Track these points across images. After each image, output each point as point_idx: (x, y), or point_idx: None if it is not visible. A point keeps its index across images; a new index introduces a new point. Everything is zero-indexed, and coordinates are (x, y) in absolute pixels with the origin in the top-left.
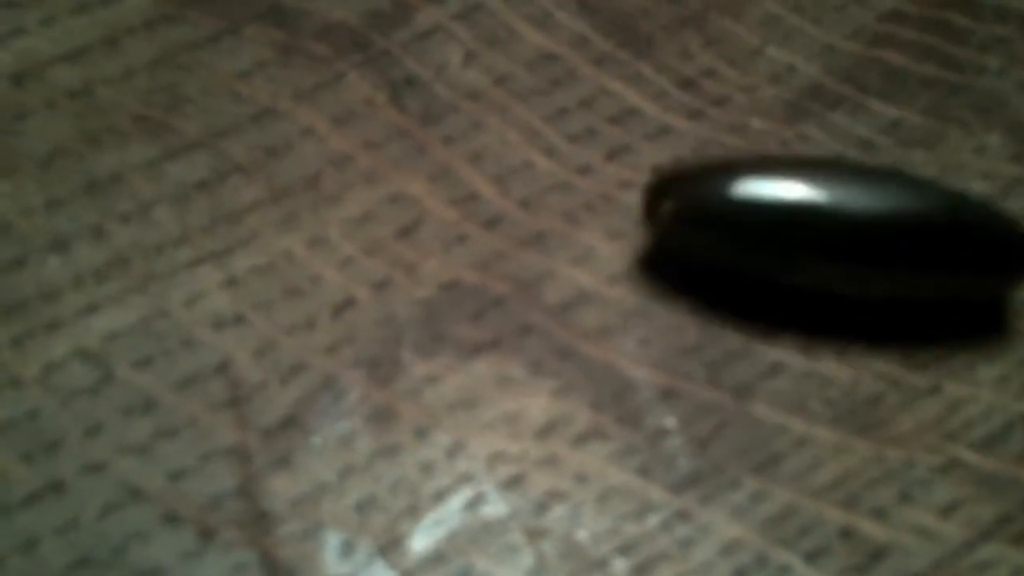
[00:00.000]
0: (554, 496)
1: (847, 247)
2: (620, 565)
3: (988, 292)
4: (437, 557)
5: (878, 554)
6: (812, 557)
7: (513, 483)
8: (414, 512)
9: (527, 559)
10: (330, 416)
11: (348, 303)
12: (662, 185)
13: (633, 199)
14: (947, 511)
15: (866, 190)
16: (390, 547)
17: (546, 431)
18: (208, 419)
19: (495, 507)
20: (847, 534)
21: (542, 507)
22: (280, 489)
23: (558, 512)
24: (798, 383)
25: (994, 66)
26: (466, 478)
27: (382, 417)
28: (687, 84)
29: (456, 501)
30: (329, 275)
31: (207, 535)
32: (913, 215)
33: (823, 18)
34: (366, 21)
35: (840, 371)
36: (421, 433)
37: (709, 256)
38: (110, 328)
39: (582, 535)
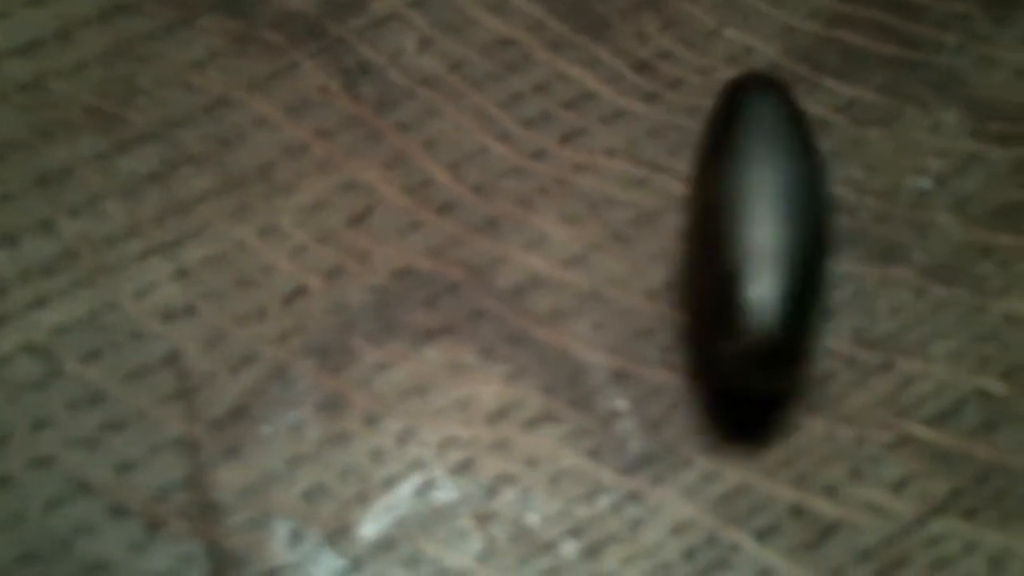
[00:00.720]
0: (504, 480)
1: None
2: (570, 547)
3: None
4: (386, 543)
5: (828, 531)
6: (763, 535)
7: (463, 468)
8: (363, 499)
9: (476, 543)
10: (280, 405)
11: (299, 292)
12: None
13: (588, 182)
14: (898, 487)
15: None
16: (339, 535)
17: (497, 416)
18: (156, 411)
19: (445, 492)
20: (798, 512)
21: (492, 491)
22: (229, 479)
23: (508, 496)
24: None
25: (952, 43)
26: (416, 464)
27: (332, 405)
28: (643, 67)
29: (406, 487)
30: (281, 264)
31: (154, 527)
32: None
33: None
34: (321, 9)
35: None
36: (372, 420)
37: None
38: (58, 322)
39: (532, 518)
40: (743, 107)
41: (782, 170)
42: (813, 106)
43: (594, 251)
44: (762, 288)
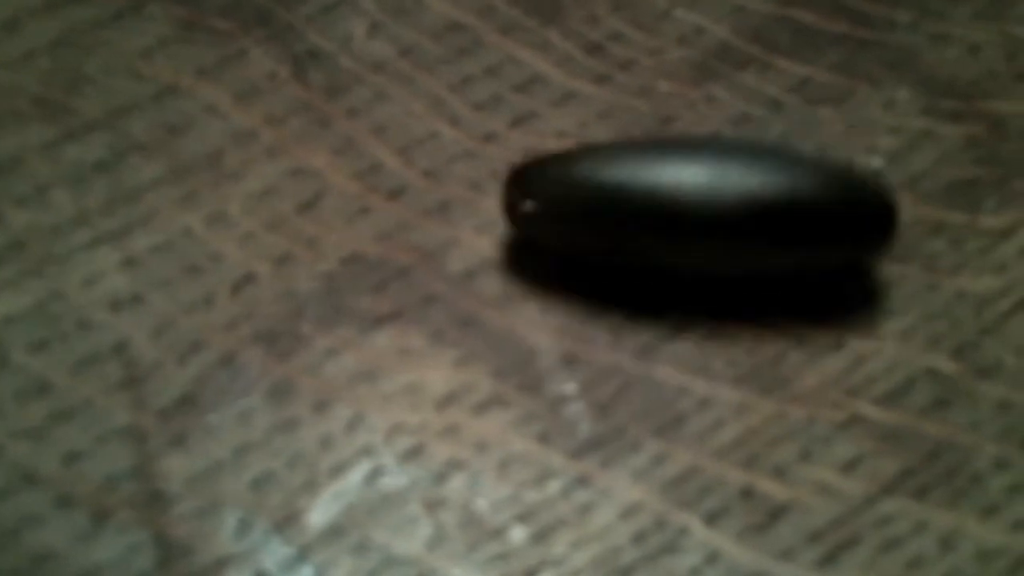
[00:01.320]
0: (454, 466)
1: (687, 227)
2: (518, 533)
3: (855, 261)
4: (334, 531)
5: (778, 512)
6: (712, 518)
7: (413, 454)
8: (312, 487)
9: (425, 530)
10: (228, 393)
11: (248, 279)
12: (519, 180)
13: None
14: (848, 467)
15: (725, 169)
16: (287, 523)
17: (447, 401)
18: (104, 401)
19: (394, 479)
20: (747, 494)
21: (441, 477)
22: (176, 468)
23: (457, 482)
24: (701, 344)
25: (905, 20)
26: (365, 451)
27: (281, 392)
28: (594, 49)
29: (355, 474)
30: (229, 251)
31: (101, 517)
32: (772, 193)
33: None
34: None
35: (743, 330)
36: (320, 407)
37: (575, 249)
38: (5, 312)
39: (481, 504)
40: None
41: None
42: (766, 86)
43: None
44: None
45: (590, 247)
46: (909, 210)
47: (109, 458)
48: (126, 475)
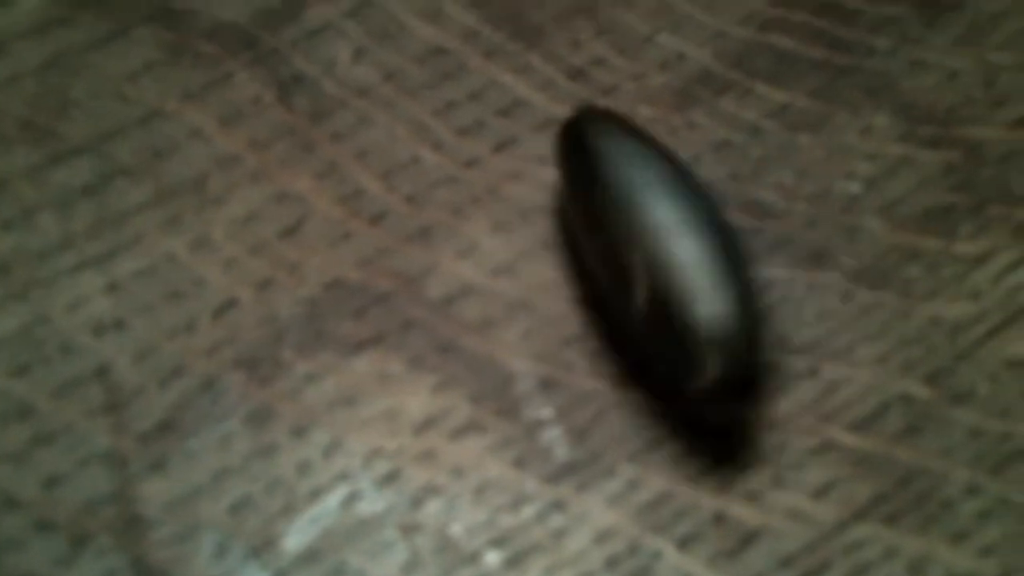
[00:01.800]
0: (430, 491)
1: None
2: (492, 558)
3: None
4: (310, 556)
5: (750, 538)
6: (684, 543)
7: (389, 479)
8: (289, 512)
9: (400, 554)
10: (208, 418)
11: (230, 304)
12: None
13: (519, 191)
14: (820, 492)
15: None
16: (264, 547)
17: (424, 426)
18: (85, 425)
19: (371, 504)
20: (720, 519)
21: (417, 502)
22: (155, 493)
23: (433, 507)
24: None
25: (884, 46)
26: (343, 476)
27: (260, 418)
28: (576, 74)
29: (332, 499)
30: (212, 276)
31: (80, 541)
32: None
33: (715, 4)
34: (256, 20)
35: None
36: (299, 432)
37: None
38: None
39: (456, 529)
40: (590, 143)
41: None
42: (746, 112)
43: (524, 259)
44: (715, 321)
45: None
46: (885, 236)
47: (89, 482)
48: (106, 499)
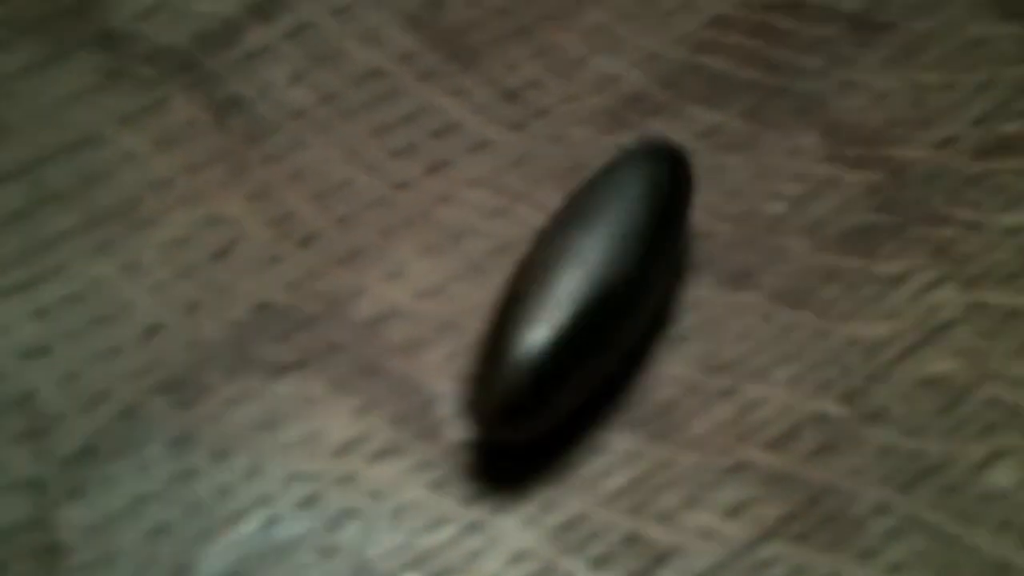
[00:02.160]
0: (348, 514)
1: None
2: None
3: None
4: None
5: (661, 558)
6: (597, 564)
7: (308, 502)
8: (207, 536)
9: None
10: (129, 443)
11: (156, 328)
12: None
13: (450, 213)
14: (732, 512)
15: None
16: (180, 573)
17: (345, 449)
18: (5, 452)
19: (289, 527)
20: (633, 539)
21: (336, 525)
22: (74, 519)
23: (351, 530)
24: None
25: (815, 67)
26: (262, 500)
27: (182, 442)
28: (511, 96)
29: (251, 523)
30: (140, 300)
31: None
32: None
33: (650, 27)
34: (195, 43)
35: (637, 377)
36: (220, 456)
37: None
38: None
39: (373, 551)
40: (614, 173)
41: (599, 239)
42: (676, 133)
43: (452, 281)
44: (521, 347)
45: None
46: (808, 256)
47: (8, 509)
48: (24, 526)
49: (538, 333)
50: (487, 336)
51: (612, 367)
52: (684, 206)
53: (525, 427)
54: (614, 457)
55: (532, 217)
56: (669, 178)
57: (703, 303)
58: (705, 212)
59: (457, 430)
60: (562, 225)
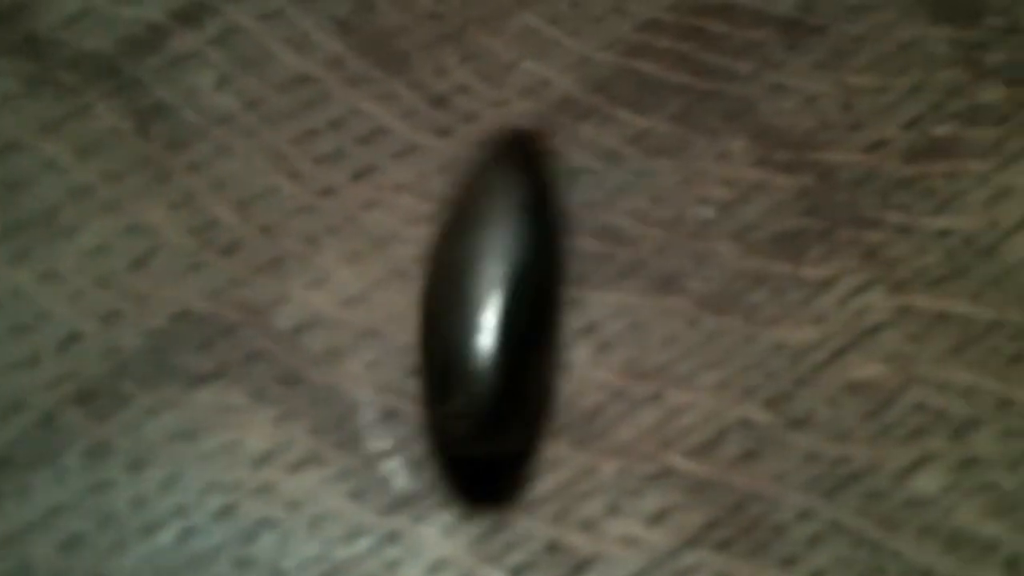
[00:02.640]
0: (265, 524)
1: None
2: None
3: None
4: None
5: (582, 566)
6: (517, 572)
7: (225, 513)
8: (121, 548)
9: None
10: (45, 454)
11: (74, 337)
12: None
13: (375, 220)
14: (655, 519)
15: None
16: None
17: (263, 459)
18: None
19: (205, 538)
20: (553, 548)
21: (251, 536)
22: None
23: (267, 540)
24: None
25: (746, 71)
26: (178, 511)
27: (98, 452)
28: (439, 101)
29: (166, 535)
30: (58, 309)
31: None
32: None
33: (581, 30)
34: (119, 49)
35: (563, 384)
36: (136, 467)
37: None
38: None
39: (289, 563)
40: (487, 168)
41: (510, 236)
42: (605, 138)
43: (376, 289)
44: (477, 355)
45: None
46: (735, 261)
47: None
48: None
49: (486, 339)
50: (428, 353)
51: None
52: (551, 190)
53: (505, 436)
54: (536, 464)
55: None
56: (534, 166)
57: (629, 308)
58: (631, 217)
59: (378, 439)
60: (454, 230)
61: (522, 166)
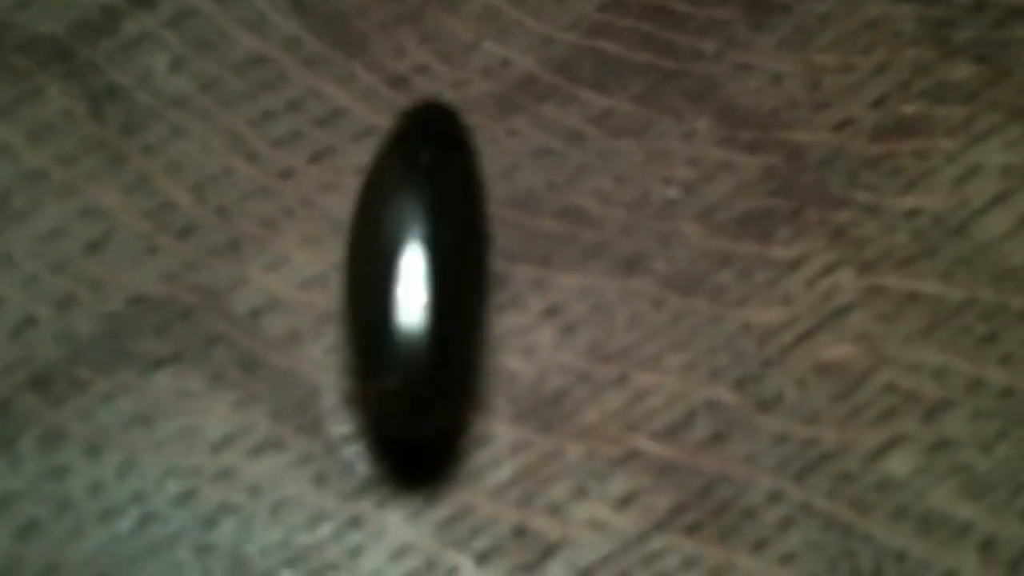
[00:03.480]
0: (225, 510)
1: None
2: None
3: None
4: None
5: (549, 551)
6: (483, 557)
7: (184, 499)
8: (78, 535)
9: None
10: (0, 440)
11: (28, 323)
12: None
13: (333, 202)
14: (622, 503)
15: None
16: (49, 573)
17: (223, 444)
18: None
19: (164, 525)
20: (520, 532)
21: (212, 522)
22: None
23: (228, 526)
24: (484, 381)
25: (710, 50)
26: (136, 497)
27: (52, 438)
28: (398, 82)
29: (124, 521)
30: (11, 295)
31: None
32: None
33: (542, 10)
34: (71, 31)
35: (527, 367)
36: (92, 453)
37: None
38: None
39: (250, 548)
40: (407, 140)
41: (423, 207)
42: (567, 118)
43: (336, 272)
44: (406, 331)
45: None
46: (701, 242)
47: None
48: None
49: (412, 314)
50: (353, 327)
51: (480, 335)
52: (469, 164)
53: (433, 417)
54: (501, 448)
55: None
56: (448, 138)
57: (593, 290)
58: (595, 198)
59: (339, 424)
60: (373, 202)
61: (437, 137)
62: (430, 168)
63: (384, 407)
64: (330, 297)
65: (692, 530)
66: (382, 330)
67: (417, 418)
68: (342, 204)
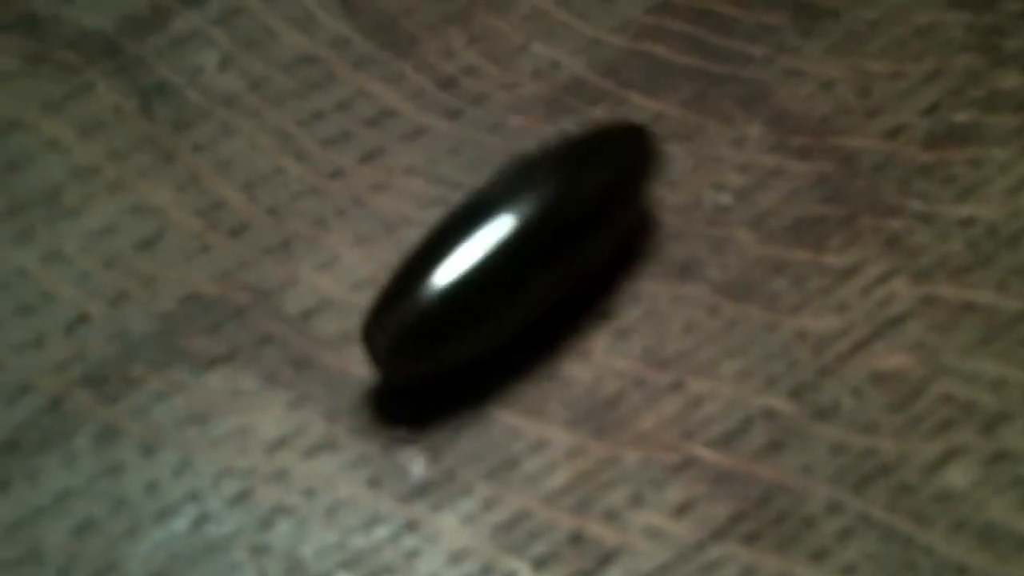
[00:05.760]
0: (280, 511)
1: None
2: None
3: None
4: None
5: (607, 558)
6: (540, 563)
7: (239, 499)
8: (135, 533)
9: None
10: (54, 437)
11: (81, 319)
12: (371, 328)
13: (384, 203)
14: (680, 511)
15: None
16: (106, 571)
17: (277, 444)
18: None
19: (219, 525)
20: (577, 539)
21: (267, 523)
22: None
23: (283, 528)
24: (538, 386)
25: (759, 56)
26: (191, 496)
27: (108, 436)
28: (447, 83)
29: (180, 521)
30: (64, 291)
31: None
32: (549, 210)
33: (590, 12)
34: (121, 28)
35: (582, 372)
36: (147, 451)
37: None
38: None
39: (306, 550)
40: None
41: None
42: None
43: (386, 272)
44: (426, 281)
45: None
46: (754, 248)
47: None
48: None
49: (439, 274)
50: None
51: (517, 325)
52: (635, 184)
53: (418, 365)
54: (557, 453)
55: None
56: (624, 154)
57: (647, 295)
58: (647, 203)
59: (395, 425)
60: (492, 188)
61: (608, 152)
62: (579, 174)
63: (371, 344)
64: None
65: (750, 539)
66: (404, 279)
67: (401, 358)
68: (392, 204)
